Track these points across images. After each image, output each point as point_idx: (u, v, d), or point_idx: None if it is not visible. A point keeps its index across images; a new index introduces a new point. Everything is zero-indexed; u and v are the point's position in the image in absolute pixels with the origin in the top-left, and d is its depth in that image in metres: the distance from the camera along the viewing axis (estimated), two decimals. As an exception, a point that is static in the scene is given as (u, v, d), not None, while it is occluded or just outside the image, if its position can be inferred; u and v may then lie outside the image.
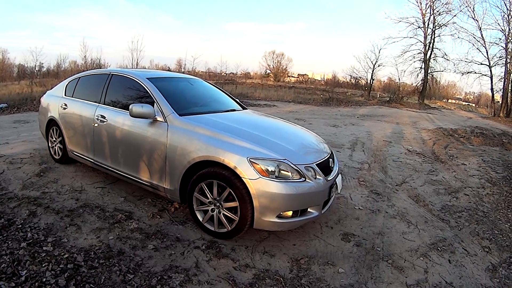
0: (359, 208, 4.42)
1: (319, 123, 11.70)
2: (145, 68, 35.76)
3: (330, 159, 3.74)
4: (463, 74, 25.90)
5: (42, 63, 38.83)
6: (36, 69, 37.51)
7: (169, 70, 41.66)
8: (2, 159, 5.42)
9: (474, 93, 46.95)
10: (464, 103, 43.63)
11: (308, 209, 3.27)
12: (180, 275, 2.79)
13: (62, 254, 2.95)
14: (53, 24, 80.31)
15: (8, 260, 2.77)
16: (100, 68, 33.25)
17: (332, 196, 3.61)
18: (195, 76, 5.68)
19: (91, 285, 2.59)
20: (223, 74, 49.64)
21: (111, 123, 4.19)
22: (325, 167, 3.50)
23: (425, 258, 3.37)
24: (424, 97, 28.86)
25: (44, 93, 6.07)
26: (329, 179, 3.46)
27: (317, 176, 3.29)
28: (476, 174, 6.48)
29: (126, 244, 3.20)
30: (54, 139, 5.38)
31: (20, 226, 3.38)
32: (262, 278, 2.84)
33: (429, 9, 27.36)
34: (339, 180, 3.76)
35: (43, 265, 2.75)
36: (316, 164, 3.36)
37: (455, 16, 26.01)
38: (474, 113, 25.78)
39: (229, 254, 3.15)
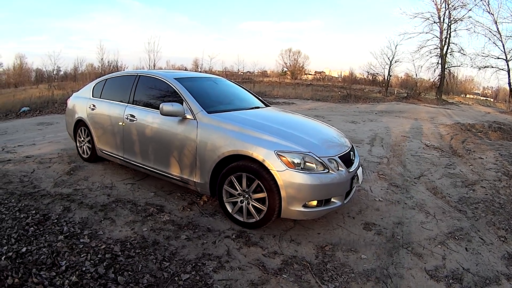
0: (379, 199, 4.57)
1: (338, 120, 11.83)
2: (162, 69, 36.13)
3: (351, 152, 3.92)
4: (480, 68, 25.66)
5: (60, 67, 39.51)
6: (54, 72, 38.14)
7: (185, 70, 42.05)
8: (31, 159, 5.69)
9: (492, 87, 46.32)
10: (482, 98, 43.10)
11: (332, 199, 3.45)
12: (213, 262, 2.99)
13: (99, 245, 3.15)
14: (69, 28, 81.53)
15: (47, 252, 2.96)
16: (118, 70, 33.75)
17: (353, 187, 3.78)
18: (213, 75, 5.89)
19: (129, 272, 2.79)
20: (240, 73, 49.89)
21: (140, 122, 4.42)
22: (346, 160, 3.68)
23: (443, 246, 3.50)
24: (441, 92, 28.58)
25: (70, 96, 6.34)
26: (350, 170, 3.63)
27: (340, 168, 3.47)
28: (493, 168, 6.53)
29: (160, 235, 3.41)
30: (82, 138, 5.64)
31: (56, 220, 3.59)
32: (290, 264, 3.03)
33: (444, 3, 27.14)
34: (359, 172, 3.93)
35: (82, 256, 2.95)
36: (338, 157, 3.55)
37: (470, 10, 25.72)
38: (492, 108, 25.48)
39: (258, 242, 3.34)
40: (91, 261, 2.88)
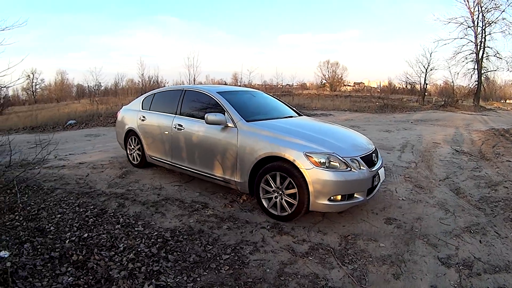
0: (402, 199, 4.97)
1: (372, 129, 12.18)
2: (202, 83, 37.10)
3: (374, 154, 4.40)
4: (516, 71, 24.98)
5: (100, 82, 41.27)
6: (95, 88, 39.84)
7: (225, 84, 42.92)
8: (85, 165, 6.47)
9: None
10: (524, 102, 41.78)
11: (355, 195, 3.95)
12: (250, 247, 3.55)
13: (152, 232, 3.77)
14: (109, 45, 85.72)
15: (106, 237, 3.56)
16: (158, 85, 34.90)
17: (376, 185, 4.25)
18: (252, 89, 6.49)
19: (178, 252, 3.37)
20: (279, 86, 50.23)
21: (187, 130, 5.06)
22: (368, 161, 4.17)
23: (458, 238, 3.86)
24: (479, 98, 28.01)
25: (114, 109, 7.08)
26: (372, 170, 4.11)
27: (361, 167, 3.97)
28: (520, 170, 6.70)
29: (205, 225, 4.00)
30: (132, 147, 6.37)
31: (112, 214, 4.23)
32: (316, 249, 3.54)
33: (477, 6, 26.69)
34: (381, 172, 4.40)
35: (137, 240, 3.55)
36: (360, 157, 4.05)
37: (503, 11, 25.31)
38: (534, 113, 24.83)
39: (289, 232, 3.87)
40: (145, 244, 3.48)
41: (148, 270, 3.01)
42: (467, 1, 26.97)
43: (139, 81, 39.29)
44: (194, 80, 32.16)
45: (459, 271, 3.23)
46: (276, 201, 4.10)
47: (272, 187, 4.10)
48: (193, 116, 5.13)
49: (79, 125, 13.39)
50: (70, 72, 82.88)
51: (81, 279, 2.78)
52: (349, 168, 3.85)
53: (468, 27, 27.52)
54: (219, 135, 4.60)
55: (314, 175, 3.74)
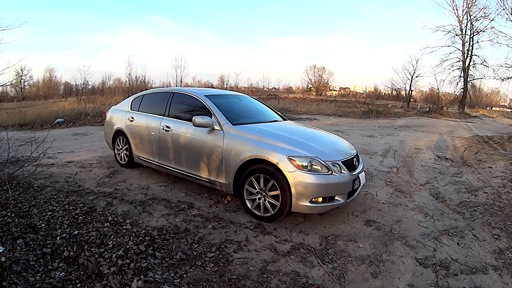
0: (383, 202, 5.13)
1: (356, 134, 12.38)
2: (189, 85, 36.93)
3: (355, 159, 4.55)
4: (503, 80, 25.36)
5: (88, 81, 41.06)
6: (82, 86, 39.60)
7: (212, 86, 42.91)
8: (73, 164, 6.52)
9: (520, 99, 45.46)
10: (508, 110, 42.42)
11: (336, 197, 4.09)
12: (234, 245, 3.66)
13: (140, 230, 3.86)
14: (98, 43, 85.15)
15: (95, 234, 3.64)
16: (145, 85, 34.74)
17: (357, 189, 4.40)
18: (238, 92, 6.61)
19: (165, 250, 3.48)
20: (265, 89, 50.41)
21: (175, 132, 5.16)
22: (349, 165, 4.32)
23: (436, 240, 4.01)
24: (464, 106, 28.51)
25: (102, 108, 7.17)
26: (352, 174, 4.26)
27: (342, 171, 4.12)
28: (500, 176, 6.91)
29: (190, 224, 4.11)
30: (120, 147, 6.45)
31: (101, 212, 4.31)
32: (297, 248, 3.67)
33: (466, 15, 27.21)
34: (362, 175, 4.57)
35: (125, 238, 3.64)
36: (341, 161, 4.20)
37: (492, 20, 25.67)
38: (518, 120, 25.28)
39: (272, 232, 4.00)
40: (133, 241, 3.57)
41: (137, 267, 3.11)
42: (456, 9, 27.57)
43: (126, 81, 39.33)
44: (181, 82, 32.18)
45: (436, 271, 3.37)
46: (259, 202, 4.22)
47: (256, 189, 4.22)
48: (181, 118, 5.24)
49: (67, 124, 13.46)
50: (59, 70, 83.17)
51: (73, 274, 2.87)
52: (330, 172, 4.00)
53: (456, 35, 28.09)
54: (206, 138, 4.72)
55: (297, 177, 3.88)
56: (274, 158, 4.02)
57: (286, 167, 3.93)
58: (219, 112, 4.80)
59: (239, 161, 4.31)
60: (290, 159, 3.95)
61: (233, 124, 4.63)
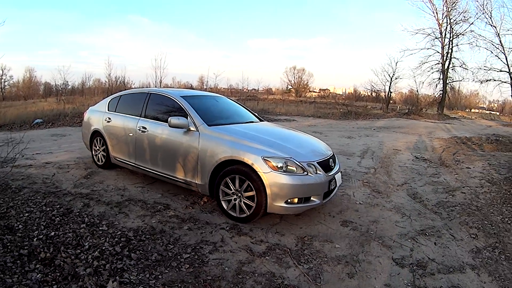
0: (360, 203, 5.15)
1: (334, 135, 12.42)
2: (168, 85, 36.64)
3: (331, 160, 4.55)
4: (482, 82, 25.93)
5: (68, 81, 40.70)
6: (62, 87, 39.14)
7: (191, 87, 42.73)
8: (51, 165, 6.38)
9: (498, 101, 46.39)
10: (487, 111, 43.27)
11: (311, 198, 4.09)
12: (209, 246, 3.63)
13: (116, 232, 3.81)
14: (79, 43, 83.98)
15: (72, 235, 3.60)
16: (125, 86, 34.45)
17: (333, 189, 4.41)
18: (218, 93, 6.57)
19: (140, 251, 3.45)
20: (245, 90, 50.41)
21: (151, 133, 5.10)
22: (325, 165, 4.32)
23: (413, 240, 4.04)
24: (443, 107, 28.95)
25: (81, 109, 7.06)
26: (328, 174, 4.27)
27: (318, 172, 4.12)
28: (478, 176, 6.99)
29: (166, 225, 4.06)
30: (97, 147, 6.34)
31: (78, 213, 4.24)
32: (273, 249, 3.65)
33: (445, 19, 27.65)
34: (338, 176, 4.58)
35: (101, 239, 3.61)
36: (317, 162, 4.20)
37: (472, 24, 26.15)
38: (496, 121, 25.74)
39: (247, 233, 3.98)
40: (109, 243, 3.54)
41: (112, 268, 3.09)
42: (436, 13, 28.00)
43: (106, 81, 39.13)
44: (161, 82, 31.99)
45: (413, 271, 3.40)
46: (235, 203, 4.19)
47: (231, 190, 4.19)
48: (157, 119, 5.18)
49: (46, 124, 13.22)
50: (39, 70, 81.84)
51: (49, 276, 2.86)
52: (305, 173, 3.99)
53: (436, 38, 28.50)
54: (182, 138, 4.67)
55: (272, 178, 3.86)
56: (249, 159, 4.00)
57: (261, 168, 3.91)
58: (195, 113, 4.76)
59: (215, 161, 4.28)
60: (265, 160, 3.93)
61: (208, 125, 4.60)
